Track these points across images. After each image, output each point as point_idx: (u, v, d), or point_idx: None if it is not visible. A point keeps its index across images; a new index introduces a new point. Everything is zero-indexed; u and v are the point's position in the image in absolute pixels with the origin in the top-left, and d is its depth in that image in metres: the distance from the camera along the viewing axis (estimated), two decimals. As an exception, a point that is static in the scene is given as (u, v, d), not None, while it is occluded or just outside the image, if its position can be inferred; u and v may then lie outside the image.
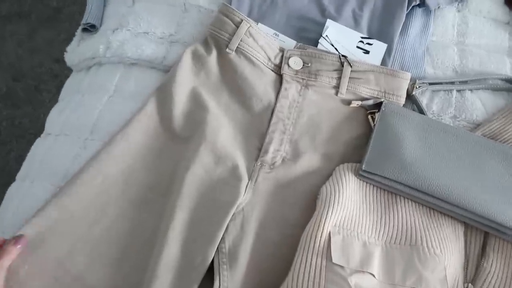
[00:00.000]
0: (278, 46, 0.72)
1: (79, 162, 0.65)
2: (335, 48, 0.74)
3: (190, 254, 0.57)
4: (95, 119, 0.70)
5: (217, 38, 0.71)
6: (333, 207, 0.59)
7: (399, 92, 0.71)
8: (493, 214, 0.60)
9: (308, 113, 0.69)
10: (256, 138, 0.67)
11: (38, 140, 0.73)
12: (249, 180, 0.63)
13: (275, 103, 0.69)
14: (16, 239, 0.56)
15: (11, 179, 0.72)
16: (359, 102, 0.70)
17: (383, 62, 0.76)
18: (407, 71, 0.75)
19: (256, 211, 0.62)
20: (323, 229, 0.57)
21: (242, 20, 0.70)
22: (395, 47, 0.77)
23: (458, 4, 0.85)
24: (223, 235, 0.59)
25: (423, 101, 0.74)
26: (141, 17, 0.78)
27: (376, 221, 0.61)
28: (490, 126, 0.71)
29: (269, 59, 0.71)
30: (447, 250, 0.59)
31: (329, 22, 0.78)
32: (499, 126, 0.71)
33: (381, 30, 0.78)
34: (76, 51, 0.79)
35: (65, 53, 0.81)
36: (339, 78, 0.71)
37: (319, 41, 0.76)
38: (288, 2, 0.79)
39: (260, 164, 0.65)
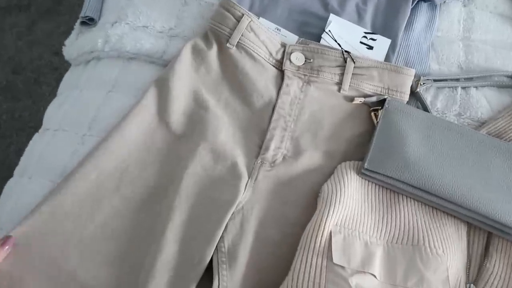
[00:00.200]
0: (280, 41, 0.71)
1: (77, 158, 0.64)
2: (338, 44, 0.73)
3: (188, 253, 0.56)
4: (94, 115, 0.69)
5: (217, 33, 0.70)
6: (334, 206, 0.59)
7: (403, 89, 0.70)
8: (497, 214, 0.59)
9: (310, 109, 0.68)
10: (256, 135, 0.66)
11: (36, 136, 0.72)
12: (249, 178, 0.62)
13: (276, 100, 0.68)
14: (4, 240, 0.55)
15: (11, 172, 0.71)
16: (362, 99, 0.69)
17: (387, 58, 0.74)
18: (411, 67, 0.74)
19: (256, 210, 0.61)
20: (324, 228, 0.57)
21: (243, 15, 0.69)
22: (400, 43, 0.76)
23: (464, -1, 0.83)
24: (222, 234, 0.58)
25: (428, 98, 0.73)
26: (140, 10, 0.76)
27: (378, 220, 0.61)
28: (496, 124, 0.70)
29: (271, 54, 0.70)
30: (450, 250, 0.58)
31: (332, 16, 0.76)
32: (505, 124, 0.70)
33: (385, 25, 0.77)
34: (75, 45, 0.78)
35: (63, 47, 0.80)
36: (342, 74, 0.69)
37: (322, 36, 0.74)
38: (290, -4, 0.78)
39: (261, 161, 0.64)
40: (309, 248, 0.56)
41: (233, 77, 0.68)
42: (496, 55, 0.77)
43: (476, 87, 0.74)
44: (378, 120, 0.67)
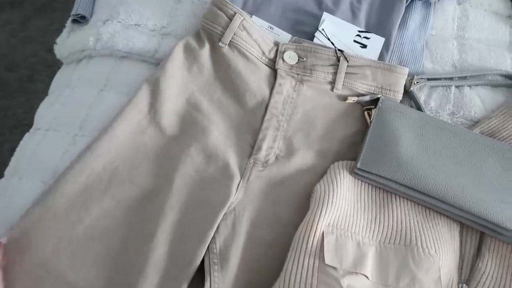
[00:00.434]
0: (273, 40, 0.71)
1: (68, 159, 0.64)
2: (332, 42, 0.72)
3: (180, 254, 0.56)
4: (85, 114, 0.69)
5: (209, 31, 0.69)
6: (327, 206, 0.58)
7: (397, 88, 0.70)
8: (490, 214, 0.59)
9: (303, 109, 0.68)
10: (249, 134, 0.66)
11: (27, 135, 0.72)
12: (241, 178, 0.62)
13: (269, 99, 0.67)
14: None
15: (4, 170, 0.70)
16: (355, 98, 0.68)
17: (381, 57, 0.74)
18: (405, 66, 0.74)
19: (248, 210, 0.60)
20: (316, 229, 0.56)
21: (235, 13, 0.68)
22: (393, 41, 0.75)
23: (458, -3, 0.83)
24: (214, 235, 0.58)
25: (421, 97, 0.73)
26: (132, 8, 0.75)
27: (371, 221, 0.60)
28: (489, 123, 0.70)
29: (263, 53, 0.70)
30: (442, 250, 0.58)
31: (325, 15, 0.75)
32: (498, 124, 0.70)
33: (379, 23, 0.76)
34: (66, 43, 0.77)
35: (54, 45, 0.79)
36: (335, 74, 0.69)
37: (315, 34, 0.74)
38: (284, -6, 0.77)
39: (253, 162, 0.64)
40: (301, 248, 0.55)
41: (225, 76, 0.68)
42: (490, 53, 0.77)
43: (469, 86, 0.74)
44: (371, 119, 0.67)
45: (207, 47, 0.69)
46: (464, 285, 0.58)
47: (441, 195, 0.60)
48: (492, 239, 0.61)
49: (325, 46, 0.71)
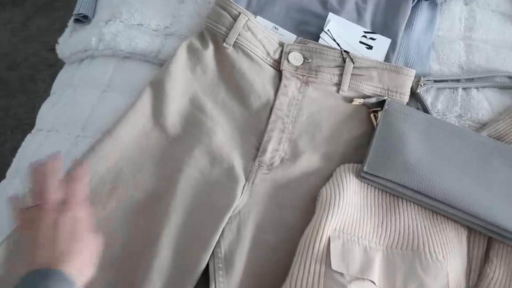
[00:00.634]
0: (278, 41, 0.70)
1: (70, 161, 0.63)
2: (337, 43, 0.71)
3: (183, 259, 0.55)
4: (87, 115, 0.68)
5: (213, 32, 0.68)
6: (333, 210, 0.57)
7: (403, 90, 0.69)
8: (498, 219, 0.58)
9: (308, 111, 0.67)
10: (254, 136, 0.65)
11: (28, 136, 0.71)
12: (246, 181, 0.61)
13: (274, 100, 0.66)
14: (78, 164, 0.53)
15: (5, 170, 0.70)
16: (361, 100, 0.67)
17: (387, 58, 0.73)
18: (411, 67, 0.73)
19: (253, 214, 0.59)
20: (322, 233, 0.56)
21: (240, 13, 0.67)
22: (400, 42, 0.74)
23: (465, -3, 0.82)
24: (218, 239, 0.57)
25: (428, 99, 0.72)
26: (135, 8, 0.74)
27: (377, 225, 0.60)
28: (497, 126, 0.69)
29: (268, 54, 0.69)
30: (450, 255, 0.57)
31: (331, 15, 0.74)
32: (506, 127, 0.69)
33: (385, 24, 0.75)
34: (68, 43, 0.77)
35: (56, 45, 0.78)
36: (341, 75, 0.68)
37: (320, 35, 0.73)
38: (288, -6, 0.76)
39: (258, 164, 0.63)
40: (307, 254, 0.55)
41: (230, 77, 0.67)
42: (497, 55, 0.76)
43: (477, 88, 0.73)
44: (377, 121, 0.66)
45: (211, 47, 0.68)
46: (472, 290, 0.58)
47: (448, 200, 0.59)
48: (501, 244, 0.60)
49: (330, 47, 0.70)
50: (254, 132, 0.65)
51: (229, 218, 0.58)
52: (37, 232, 0.47)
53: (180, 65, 0.66)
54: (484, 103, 0.72)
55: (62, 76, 0.78)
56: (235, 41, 0.67)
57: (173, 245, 0.56)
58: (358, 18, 0.76)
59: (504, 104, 0.72)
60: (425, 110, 0.70)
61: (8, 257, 0.55)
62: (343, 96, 0.68)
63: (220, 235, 0.57)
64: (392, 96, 0.68)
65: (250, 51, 0.67)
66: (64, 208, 0.47)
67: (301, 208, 0.61)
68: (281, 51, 0.69)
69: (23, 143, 0.70)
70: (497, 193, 0.60)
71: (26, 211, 0.49)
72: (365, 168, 0.61)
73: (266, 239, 0.59)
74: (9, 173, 0.68)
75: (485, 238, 0.61)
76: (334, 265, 0.53)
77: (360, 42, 0.73)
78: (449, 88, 0.73)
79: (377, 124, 0.66)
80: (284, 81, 0.67)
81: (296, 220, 0.60)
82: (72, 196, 0.49)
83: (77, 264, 0.45)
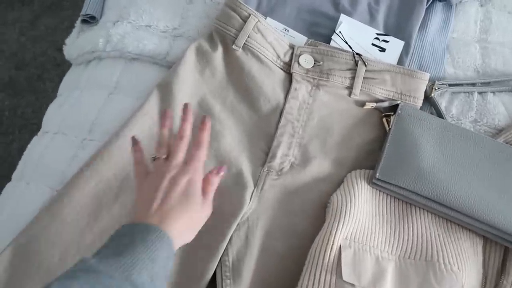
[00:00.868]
0: (288, 43, 0.68)
1: (76, 164, 0.62)
2: (349, 46, 0.70)
3: (190, 267, 0.54)
4: (94, 118, 0.67)
5: (223, 34, 0.67)
6: (344, 218, 0.56)
7: (417, 94, 0.67)
8: (516, 229, 0.56)
9: (319, 115, 0.65)
10: (263, 141, 0.63)
11: (35, 139, 0.70)
12: (254, 187, 0.60)
13: (284, 104, 0.65)
14: (218, 169, 0.53)
15: (13, 171, 0.69)
16: (374, 104, 0.66)
17: (400, 61, 0.71)
18: (425, 70, 0.71)
19: (261, 221, 0.58)
20: (333, 242, 0.54)
21: (249, 15, 0.66)
22: (413, 45, 0.72)
23: (481, -2, 0.79)
24: (226, 246, 0.55)
25: (442, 103, 0.70)
26: (143, 8, 0.73)
27: (390, 234, 0.58)
28: (514, 132, 0.67)
29: (278, 56, 0.67)
30: (465, 266, 0.56)
31: (342, 17, 0.73)
32: (524, 132, 0.66)
33: (398, 26, 0.73)
34: (75, 44, 0.76)
35: (63, 46, 0.77)
36: (353, 78, 0.66)
37: (332, 37, 0.71)
38: (299, -5, 0.74)
39: (267, 170, 0.61)
40: (317, 263, 0.53)
41: (239, 80, 0.66)
42: (514, 58, 0.74)
43: (493, 92, 0.71)
44: (390, 126, 0.64)
45: (220, 50, 0.66)
46: (488, 303, 0.56)
47: (464, 208, 0.58)
48: (518, 255, 0.58)
49: (342, 50, 0.68)
50: (263, 136, 0.63)
51: (237, 225, 0.57)
52: (153, 182, 0.48)
53: (188, 68, 0.65)
54: (500, 108, 0.70)
55: (69, 78, 0.77)
56: (244, 43, 0.66)
57: (179, 252, 0.55)
58: (371, 20, 0.74)
59: (522, 109, 0.70)
60: (439, 115, 0.69)
61: (13, 260, 0.54)
62: (355, 100, 0.66)
63: (228, 242, 0.56)
64: (405, 100, 0.67)
65: (260, 53, 0.66)
66: (185, 169, 0.49)
67: (311, 215, 0.59)
68: (292, 54, 0.67)
69: (29, 146, 0.69)
70: (515, 202, 0.59)
71: (148, 161, 0.52)
72: (377, 175, 0.60)
73: (275, 246, 0.57)
74: (15, 175, 0.68)
75: (501, 248, 0.59)
76: (345, 276, 0.52)
77: (373, 44, 0.72)
78: (464, 92, 0.71)
79: (389, 129, 0.64)
80: (294, 84, 0.66)
81: (306, 227, 0.58)
82: (193, 160, 0.50)
83: (179, 226, 0.45)
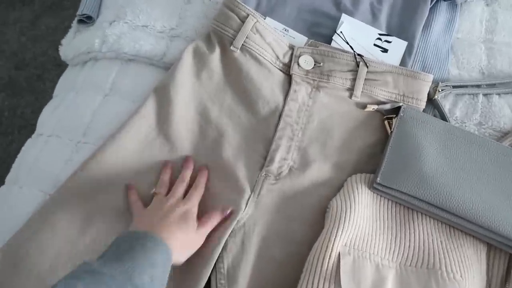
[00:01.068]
0: (288, 43, 0.66)
1: (70, 168, 0.61)
2: (350, 46, 0.68)
3: (184, 274, 0.52)
4: (89, 120, 0.66)
5: (220, 35, 0.65)
6: (343, 224, 0.54)
7: (420, 96, 0.65)
8: (521, 236, 0.54)
9: (319, 117, 0.64)
10: (261, 144, 0.62)
11: (29, 141, 0.69)
12: (251, 192, 0.58)
13: (283, 106, 0.63)
14: (223, 208, 0.56)
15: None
16: (375, 106, 0.64)
17: (403, 62, 0.69)
18: (429, 72, 0.69)
19: (258, 227, 0.57)
20: (332, 249, 0.53)
21: (248, 15, 0.64)
22: (417, 45, 0.71)
23: (487, -3, 0.77)
24: (221, 253, 0.54)
25: (446, 105, 0.68)
26: (140, 8, 0.72)
27: (391, 240, 0.56)
28: (520, 135, 0.65)
29: (277, 57, 0.65)
30: (468, 274, 0.54)
31: (344, 17, 0.71)
32: (530, 136, 0.65)
33: (401, 26, 0.72)
34: (71, 44, 0.74)
35: (59, 46, 0.76)
36: (354, 80, 0.65)
37: (333, 37, 0.69)
38: (300, -6, 0.73)
39: (265, 174, 0.60)
40: (315, 271, 0.52)
41: (237, 82, 0.64)
42: (521, 59, 0.72)
43: (498, 94, 0.69)
44: (392, 129, 0.63)
45: (217, 51, 0.65)
46: (492, 312, 0.54)
47: (467, 214, 0.56)
48: (523, 263, 0.56)
49: (343, 50, 0.66)
50: (262, 140, 0.62)
51: (232, 231, 0.56)
52: (152, 212, 0.52)
53: (185, 70, 0.64)
54: (506, 110, 0.68)
55: (64, 79, 0.76)
56: (242, 44, 0.64)
57: (174, 259, 0.53)
58: (373, 20, 0.72)
59: (528, 112, 0.68)
60: (443, 118, 0.67)
61: (2, 266, 0.53)
62: (356, 102, 0.65)
63: (223, 249, 0.54)
64: (408, 102, 0.65)
65: (259, 54, 0.64)
66: (183, 202, 0.54)
67: (310, 220, 0.58)
68: (291, 55, 0.66)
69: (23, 148, 0.68)
70: (521, 208, 0.57)
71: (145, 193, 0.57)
72: (378, 179, 0.58)
73: (272, 253, 0.56)
74: (8, 179, 0.66)
75: (506, 256, 0.58)
76: (344, 284, 0.50)
77: (375, 45, 0.70)
78: (469, 94, 0.69)
79: (391, 132, 0.62)
80: (294, 86, 0.64)
81: (305, 233, 0.57)
82: (191, 197, 0.55)
83: (175, 243, 0.48)
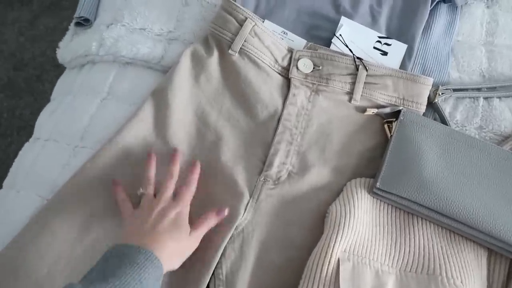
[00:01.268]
0: (286, 46, 0.66)
1: (68, 172, 0.60)
2: (350, 49, 0.67)
3: (182, 281, 0.52)
4: (87, 124, 0.65)
5: (218, 38, 0.65)
6: (343, 230, 0.54)
7: (420, 99, 0.64)
8: (522, 241, 0.54)
9: (318, 121, 0.63)
10: (260, 149, 0.61)
11: (26, 145, 0.69)
12: (250, 197, 0.58)
13: (282, 111, 0.63)
14: (218, 210, 0.55)
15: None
16: (375, 110, 0.64)
17: (403, 65, 0.69)
18: (429, 75, 0.69)
19: (257, 232, 0.56)
20: (331, 255, 0.52)
21: (246, 18, 0.64)
22: (417, 48, 0.70)
23: (487, 0, 0.77)
24: (220, 259, 0.54)
25: (446, 109, 0.67)
26: (138, 11, 0.71)
27: (390, 246, 0.56)
28: (521, 139, 0.64)
29: (276, 61, 0.65)
30: (469, 280, 0.53)
31: (343, 19, 0.70)
32: (531, 140, 0.64)
33: (401, 28, 0.71)
34: (69, 47, 0.74)
35: (57, 49, 0.75)
36: (353, 83, 0.64)
37: (332, 40, 0.69)
38: (299, -4, 0.72)
39: (264, 179, 0.59)
40: (314, 277, 0.51)
41: (235, 86, 0.64)
42: (521, 62, 0.71)
43: (499, 97, 0.68)
44: (392, 133, 0.62)
45: (215, 54, 0.64)
46: (492, 318, 0.54)
47: (468, 219, 0.55)
48: (524, 268, 0.56)
49: (342, 54, 0.66)
50: (260, 144, 0.61)
51: (231, 237, 0.55)
52: (142, 216, 0.50)
53: (183, 74, 0.63)
54: (507, 114, 0.67)
55: (62, 82, 0.75)
56: (241, 48, 0.64)
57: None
58: (373, 22, 0.71)
59: (529, 115, 0.67)
60: (443, 121, 0.66)
61: (1, 268, 0.53)
62: (355, 105, 0.64)
63: (222, 255, 0.54)
64: (408, 106, 0.64)
65: (257, 58, 0.64)
66: (174, 203, 0.52)
67: (309, 225, 0.57)
68: (290, 58, 0.65)
69: (21, 152, 0.68)
70: (521, 213, 0.56)
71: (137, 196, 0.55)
72: (378, 184, 0.58)
73: (271, 258, 0.55)
74: (6, 183, 0.66)
75: (506, 261, 0.57)
76: (344, 291, 0.50)
77: (374, 47, 0.69)
78: (469, 97, 0.68)
79: (391, 136, 0.62)
80: (292, 90, 0.64)
81: (304, 238, 0.57)
82: (182, 196, 0.54)
83: (167, 251, 0.47)
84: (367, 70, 0.64)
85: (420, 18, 0.71)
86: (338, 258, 0.52)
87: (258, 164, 0.60)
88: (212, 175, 0.59)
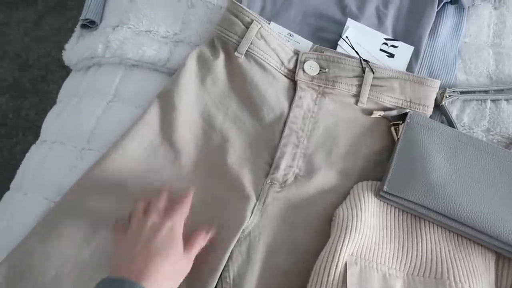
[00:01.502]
0: (293, 49, 0.66)
1: (75, 175, 0.61)
2: (356, 52, 0.67)
3: (189, 284, 0.52)
4: (93, 126, 0.65)
5: (224, 40, 0.65)
6: (350, 233, 0.54)
7: (427, 102, 0.64)
8: (531, 245, 0.54)
9: (324, 124, 0.63)
10: (266, 152, 0.61)
11: (33, 148, 0.69)
12: (257, 200, 0.58)
13: (288, 113, 0.63)
14: (207, 230, 0.53)
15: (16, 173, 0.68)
16: (382, 113, 0.63)
17: (409, 67, 0.68)
18: (436, 77, 0.68)
19: (264, 236, 0.56)
20: (338, 259, 0.52)
21: (252, 21, 0.63)
22: (423, 50, 0.70)
23: (495, 1, 0.76)
24: (227, 263, 0.54)
25: (453, 111, 0.67)
26: (143, 13, 0.71)
27: (398, 249, 0.56)
28: (529, 142, 0.64)
29: (282, 63, 0.65)
30: (477, 284, 0.53)
31: (349, 21, 0.70)
32: (539, 143, 0.64)
33: (408, 30, 0.71)
34: (74, 49, 0.74)
35: (63, 51, 0.76)
36: (360, 86, 0.64)
37: (338, 42, 0.69)
38: (305, -2, 0.72)
39: (270, 182, 0.59)
40: (321, 281, 0.51)
41: (241, 88, 0.63)
42: (529, 64, 0.71)
43: (507, 100, 0.68)
44: (398, 136, 0.62)
45: (221, 57, 0.64)
46: (500, 323, 0.53)
47: (476, 223, 0.55)
48: (532, 273, 0.55)
49: (349, 56, 0.66)
50: (267, 147, 0.61)
51: (238, 240, 0.55)
52: (133, 235, 0.48)
53: (189, 76, 0.63)
54: (514, 116, 0.67)
55: (68, 84, 0.75)
56: (247, 50, 0.64)
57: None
58: (379, 24, 0.71)
59: (537, 118, 0.67)
60: (450, 124, 0.66)
61: (7, 275, 0.53)
62: (362, 108, 0.64)
63: (229, 258, 0.54)
64: (415, 108, 0.64)
65: (263, 60, 0.64)
66: (166, 217, 0.49)
67: (316, 228, 0.57)
68: (296, 60, 0.65)
69: (28, 154, 0.68)
70: (530, 217, 0.56)
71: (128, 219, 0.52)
72: (385, 188, 0.57)
73: (278, 262, 0.55)
74: (13, 185, 0.66)
75: (515, 265, 0.57)
76: (351, 295, 0.50)
77: (381, 50, 0.69)
78: (477, 100, 0.68)
79: (398, 139, 0.62)
80: (299, 92, 0.64)
81: (311, 241, 0.56)
82: (175, 212, 0.50)
83: (160, 278, 0.44)
84: (373, 73, 0.64)
85: (427, 20, 0.71)
86: (345, 262, 0.52)
87: (265, 167, 0.60)
88: (218, 177, 0.59)
